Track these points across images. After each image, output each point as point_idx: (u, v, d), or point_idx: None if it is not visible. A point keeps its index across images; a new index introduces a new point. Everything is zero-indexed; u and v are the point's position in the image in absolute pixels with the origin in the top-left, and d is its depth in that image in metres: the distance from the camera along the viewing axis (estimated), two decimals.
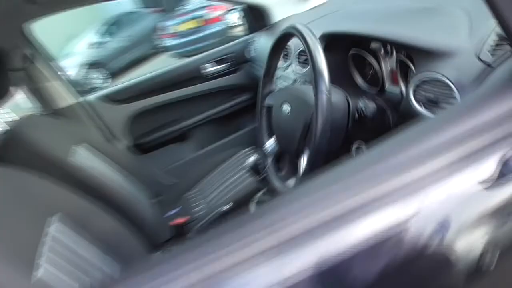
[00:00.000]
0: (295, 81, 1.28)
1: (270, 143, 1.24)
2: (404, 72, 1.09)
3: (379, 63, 1.19)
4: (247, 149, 2.02)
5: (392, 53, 1.12)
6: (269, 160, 1.23)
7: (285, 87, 1.19)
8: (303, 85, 1.17)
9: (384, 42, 1.10)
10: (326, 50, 1.35)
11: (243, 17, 2.42)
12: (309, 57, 0.93)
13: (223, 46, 2.36)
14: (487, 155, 0.62)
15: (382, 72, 1.16)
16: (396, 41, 0.98)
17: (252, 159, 1.53)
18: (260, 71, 2.17)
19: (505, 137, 0.62)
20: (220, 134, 2.35)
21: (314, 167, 0.92)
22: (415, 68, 0.94)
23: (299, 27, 1.00)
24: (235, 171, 1.85)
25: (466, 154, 0.61)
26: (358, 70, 1.35)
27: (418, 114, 0.91)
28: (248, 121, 2.36)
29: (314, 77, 0.90)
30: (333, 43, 1.33)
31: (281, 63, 1.66)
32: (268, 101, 1.25)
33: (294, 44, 1.57)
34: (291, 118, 1.05)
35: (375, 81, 1.27)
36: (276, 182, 1.15)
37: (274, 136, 1.20)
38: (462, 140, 0.61)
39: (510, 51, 0.71)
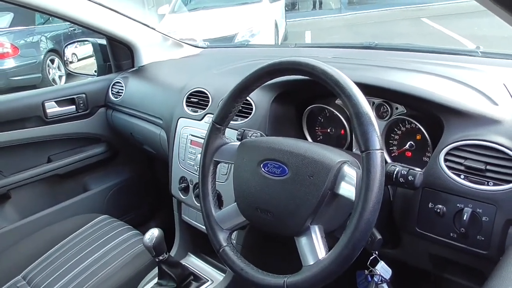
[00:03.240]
0: (243, 134, 1.02)
1: (227, 215, 0.91)
2: (404, 135, 0.98)
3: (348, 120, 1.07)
4: (104, 216, 1.55)
5: (391, 113, 1.01)
6: (223, 238, 0.90)
7: (255, 140, 0.91)
8: (279, 137, 0.92)
9: (395, 98, 0.97)
10: (279, 101, 1.16)
11: (94, 53, 1.99)
12: (346, 101, 0.71)
13: (70, 84, 1.85)
14: None
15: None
16: (421, 98, 0.87)
17: (153, 234, 1.13)
18: (123, 119, 1.80)
19: None
20: (56, 196, 1.76)
21: (351, 252, 0.68)
22: (444, 133, 0.84)
23: (314, 62, 0.78)
24: (105, 248, 1.37)
25: None
26: (308, 129, 1.19)
27: (450, 186, 0.80)
28: (98, 180, 1.86)
29: (360, 127, 0.69)
30: (287, 94, 1.14)
31: (191, 113, 1.35)
32: (224, 156, 0.94)
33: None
34: (289, 184, 0.79)
35: (333, 143, 1.12)
36: (250, 271, 0.82)
37: (235, 203, 0.89)
38: None
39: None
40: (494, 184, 0.76)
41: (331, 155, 0.77)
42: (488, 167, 0.77)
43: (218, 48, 2.17)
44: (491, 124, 0.80)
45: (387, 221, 0.91)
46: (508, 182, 0.74)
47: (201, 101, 1.34)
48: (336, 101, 1.11)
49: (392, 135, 1.01)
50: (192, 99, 1.37)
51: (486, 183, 0.77)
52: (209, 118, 1.27)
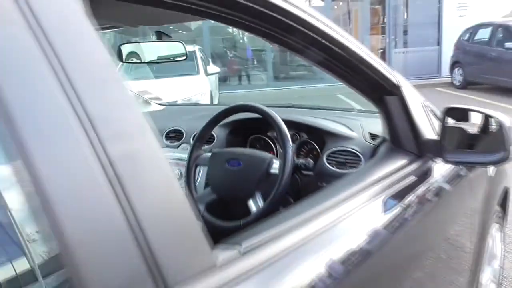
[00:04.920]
0: (211, 150, 1.63)
1: (206, 194, 1.50)
2: (307, 149, 1.67)
3: (274, 144, 1.74)
4: None
5: (300, 137, 1.68)
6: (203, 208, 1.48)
7: (221, 150, 1.54)
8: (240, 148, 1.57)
9: (302, 129, 1.66)
10: (231, 134, 1.81)
11: None
12: (276, 126, 1.38)
13: None
14: (379, 197, 1.01)
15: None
16: (317, 128, 1.57)
17: None
18: None
19: (389, 186, 1.16)
20: None
21: (277, 202, 1.31)
22: (326, 145, 1.53)
23: (259, 105, 1.45)
24: None
25: (370, 196, 0.99)
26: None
27: (329, 172, 1.47)
28: None
29: (283, 138, 1.35)
30: (237, 129, 1.80)
31: (169, 144, 1.95)
32: (202, 162, 1.55)
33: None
34: (243, 170, 1.41)
35: None
36: (219, 222, 1.40)
37: (210, 187, 1.49)
38: (368, 186, 1.10)
39: (384, 139, 1.39)
40: (350, 168, 1.45)
41: (266, 154, 1.43)
42: (347, 160, 1.46)
43: (179, 106, 2.82)
44: (348, 140, 1.52)
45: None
46: (354, 167, 1.44)
47: (177, 136, 1.96)
48: (268, 133, 1.79)
49: (300, 150, 1.69)
50: (170, 135, 1.98)
51: (345, 168, 1.45)
52: (184, 145, 1.88)
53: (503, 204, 1.98)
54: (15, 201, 0.51)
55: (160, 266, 0.51)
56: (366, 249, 0.89)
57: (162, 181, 0.55)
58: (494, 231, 1.94)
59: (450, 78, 11.12)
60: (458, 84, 10.69)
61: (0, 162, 0.51)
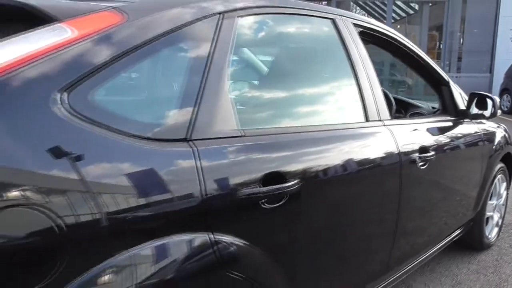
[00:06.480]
0: None
1: None
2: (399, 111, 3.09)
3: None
4: None
5: (396, 105, 3.11)
6: None
7: None
8: None
9: (398, 103, 3.09)
10: None
11: None
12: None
13: None
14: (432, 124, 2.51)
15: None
16: (405, 102, 3.01)
17: None
18: None
19: (438, 122, 2.59)
20: None
21: None
22: (408, 110, 2.96)
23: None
24: None
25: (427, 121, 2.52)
26: None
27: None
28: None
29: (391, 103, 2.80)
30: None
31: None
32: None
33: None
34: None
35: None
36: None
37: None
38: (428, 121, 2.54)
39: (438, 109, 2.81)
40: None
41: None
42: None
43: None
44: (420, 108, 2.95)
45: None
46: None
47: None
48: None
49: (396, 112, 3.13)
50: None
51: None
52: None
53: (507, 162, 3.30)
54: None
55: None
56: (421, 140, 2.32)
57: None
58: (500, 179, 3.27)
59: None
60: (505, 109, 11.66)
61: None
